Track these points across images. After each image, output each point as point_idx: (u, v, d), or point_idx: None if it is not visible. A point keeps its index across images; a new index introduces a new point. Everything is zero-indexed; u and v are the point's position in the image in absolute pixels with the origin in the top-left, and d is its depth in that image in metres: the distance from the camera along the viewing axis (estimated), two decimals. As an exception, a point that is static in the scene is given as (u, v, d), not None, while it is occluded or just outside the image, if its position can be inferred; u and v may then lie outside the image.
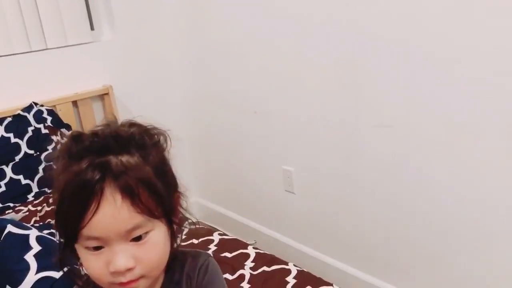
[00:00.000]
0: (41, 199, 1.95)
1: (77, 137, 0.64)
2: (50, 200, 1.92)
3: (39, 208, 1.86)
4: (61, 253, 0.68)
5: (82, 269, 0.72)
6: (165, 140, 0.70)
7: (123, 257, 0.60)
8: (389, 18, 1.53)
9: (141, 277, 0.64)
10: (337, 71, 1.76)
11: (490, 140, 1.39)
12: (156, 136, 0.69)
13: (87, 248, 0.62)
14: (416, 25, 1.47)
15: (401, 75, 1.55)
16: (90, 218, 0.59)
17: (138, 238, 0.62)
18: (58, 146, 0.67)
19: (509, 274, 1.45)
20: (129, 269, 0.61)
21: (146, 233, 0.63)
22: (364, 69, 1.66)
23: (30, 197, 1.97)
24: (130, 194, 0.60)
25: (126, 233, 0.61)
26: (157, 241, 0.65)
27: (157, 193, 0.63)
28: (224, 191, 2.57)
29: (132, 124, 0.68)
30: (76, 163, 0.61)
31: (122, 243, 0.61)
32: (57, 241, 1.26)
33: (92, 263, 0.62)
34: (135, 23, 2.44)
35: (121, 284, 0.62)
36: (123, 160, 0.61)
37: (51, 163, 0.67)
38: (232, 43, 2.21)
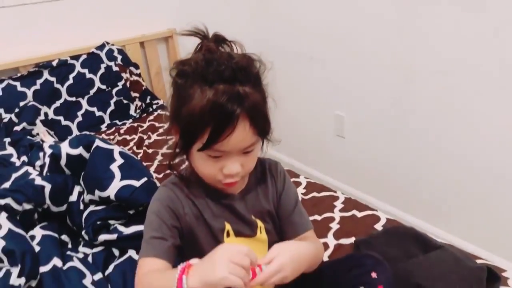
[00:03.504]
0: (112, 129, 2.15)
1: (210, 61, 0.75)
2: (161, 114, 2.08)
3: (111, 137, 2.06)
4: (174, 156, 0.84)
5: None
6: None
7: (236, 164, 0.79)
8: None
9: (241, 177, 0.83)
10: (395, 16, 1.79)
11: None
12: (259, 66, 0.81)
13: (209, 155, 0.77)
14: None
15: (461, 22, 1.57)
16: (225, 139, 0.74)
17: (247, 151, 0.79)
18: (187, 62, 0.77)
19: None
20: (237, 173, 0.79)
21: (254, 147, 0.80)
22: (423, 14, 1.68)
23: (103, 127, 2.18)
24: (253, 120, 0.75)
25: (243, 149, 0.78)
26: (257, 151, 0.83)
27: (266, 117, 0.80)
28: (276, 133, 2.67)
29: (247, 56, 0.80)
30: (211, 89, 0.73)
31: (237, 155, 0.78)
32: (136, 157, 1.43)
33: (209, 166, 0.79)
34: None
35: (229, 184, 0.81)
36: (247, 91, 0.74)
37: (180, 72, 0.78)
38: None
